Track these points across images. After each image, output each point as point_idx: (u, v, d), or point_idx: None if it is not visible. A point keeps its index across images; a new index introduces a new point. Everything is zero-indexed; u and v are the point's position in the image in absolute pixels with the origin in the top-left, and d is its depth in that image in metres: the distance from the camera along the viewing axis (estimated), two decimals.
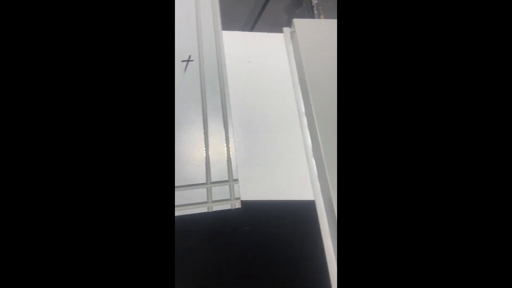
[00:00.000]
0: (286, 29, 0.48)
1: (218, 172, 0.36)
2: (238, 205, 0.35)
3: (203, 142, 0.38)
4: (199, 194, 0.35)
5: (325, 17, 0.68)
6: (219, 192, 0.35)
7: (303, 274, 0.33)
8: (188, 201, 0.34)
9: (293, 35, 0.46)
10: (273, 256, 0.36)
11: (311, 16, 0.68)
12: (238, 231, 0.42)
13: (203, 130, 0.38)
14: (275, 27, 0.49)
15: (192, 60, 0.43)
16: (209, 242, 0.35)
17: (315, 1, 0.68)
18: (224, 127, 0.39)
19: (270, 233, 0.36)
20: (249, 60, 0.45)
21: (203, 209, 0.34)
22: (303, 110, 0.42)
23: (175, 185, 0.34)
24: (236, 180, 0.36)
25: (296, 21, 0.45)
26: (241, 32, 0.47)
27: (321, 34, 0.44)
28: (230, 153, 0.37)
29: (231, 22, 0.73)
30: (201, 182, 0.35)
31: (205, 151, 0.37)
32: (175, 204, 0.34)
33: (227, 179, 0.36)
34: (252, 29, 0.81)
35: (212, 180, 0.36)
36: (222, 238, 0.34)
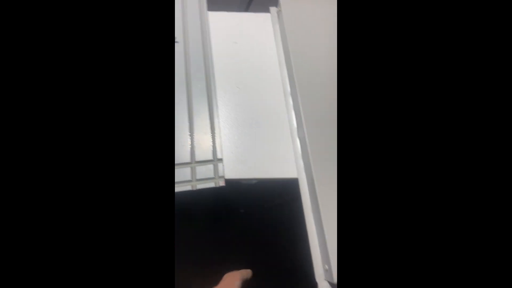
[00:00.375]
0: (273, 9, 0.47)
1: (203, 152, 0.37)
2: (222, 183, 0.36)
3: (188, 123, 0.38)
4: (184, 173, 0.35)
5: None
6: (204, 171, 0.36)
7: (286, 247, 0.34)
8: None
9: (279, 14, 0.45)
10: (257, 232, 0.37)
11: None
12: (223, 210, 0.43)
13: (187, 112, 0.39)
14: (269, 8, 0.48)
15: (177, 42, 0.43)
16: (191, 221, 0.36)
17: None
18: (209, 108, 0.39)
19: (254, 210, 0.37)
20: (235, 41, 0.45)
21: (187, 187, 0.35)
22: (289, 90, 0.42)
23: None
24: (221, 159, 0.37)
25: (283, 0, 0.44)
26: (228, 13, 0.47)
27: (308, 13, 0.44)
28: (215, 133, 0.38)
29: (226, 5, 0.72)
30: (185, 162, 0.36)
31: (189, 132, 0.38)
32: None
33: (211, 158, 0.37)
34: (247, 9, 0.81)
35: (197, 160, 0.36)
36: (205, 216, 0.35)
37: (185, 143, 0.37)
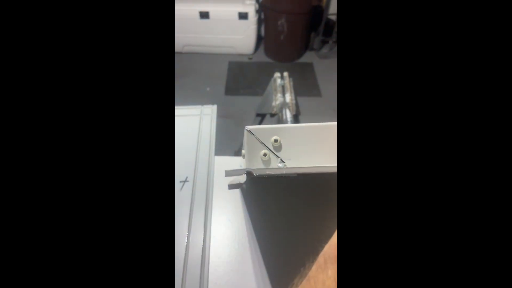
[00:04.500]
0: None
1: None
2: None
3: (184, 254, 0.47)
4: None
5: None
6: None
7: None
8: None
9: None
10: None
11: None
12: None
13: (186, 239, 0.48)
14: None
15: (187, 181, 0.56)
16: None
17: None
18: (203, 239, 0.49)
19: None
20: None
21: None
22: None
23: None
24: None
25: None
26: (229, 157, 0.61)
27: None
28: (204, 265, 0.46)
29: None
30: None
31: (183, 263, 0.46)
32: None
33: None
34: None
35: None
36: None
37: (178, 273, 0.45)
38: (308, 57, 2.49)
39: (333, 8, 2.44)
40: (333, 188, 0.21)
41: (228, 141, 1.50)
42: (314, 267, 0.21)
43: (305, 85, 2.20)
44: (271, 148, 0.25)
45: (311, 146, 0.25)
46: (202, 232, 0.50)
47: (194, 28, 2.27)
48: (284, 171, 0.23)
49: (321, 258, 0.21)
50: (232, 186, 0.28)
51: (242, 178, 0.26)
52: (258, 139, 0.24)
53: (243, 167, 0.25)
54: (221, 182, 0.56)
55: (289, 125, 0.25)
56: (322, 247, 0.22)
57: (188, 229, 0.50)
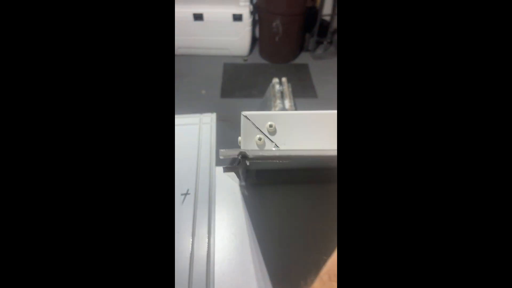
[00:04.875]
0: None
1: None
2: None
3: (188, 271, 0.46)
4: None
5: None
6: None
7: None
8: None
9: None
10: None
11: None
12: None
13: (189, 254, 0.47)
14: None
15: (189, 194, 0.55)
16: None
17: None
18: (207, 254, 0.48)
19: None
20: (235, 192, 0.56)
21: None
22: None
23: None
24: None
25: None
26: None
27: None
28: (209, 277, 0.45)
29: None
30: None
31: (188, 278, 0.45)
32: None
33: None
34: None
35: None
36: None
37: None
38: (303, 58, 2.49)
39: (327, 9, 2.44)
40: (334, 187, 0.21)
41: (226, 145, 1.48)
42: (317, 284, 0.21)
43: (300, 86, 2.19)
44: (266, 133, 0.25)
45: (306, 132, 0.26)
46: (206, 247, 0.49)
47: (188, 30, 2.24)
48: (278, 153, 0.24)
49: (325, 275, 0.21)
50: (227, 169, 0.27)
51: (236, 160, 0.26)
52: (253, 124, 0.25)
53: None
54: (223, 194, 0.55)
55: (285, 112, 0.26)
56: (324, 260, 0.21)
57: (192, 244, 0.49)
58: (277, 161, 0.24)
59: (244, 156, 0.23)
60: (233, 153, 0.23)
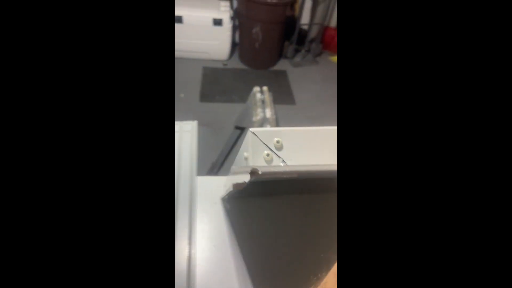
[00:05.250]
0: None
1: None
2: None
3: None
4: None
5: None
6: None
7: None
8: None
9: None
10: None
11: None
12: None
13: None
14: None
15: None
16: None
17: None
18: (187, 268, 0.47)
19: None
20: (215, 202, 0.56)
21: None
22: None
23: None
24: None
25: None
26: (215, 177, 0.60)
27: None
28: None
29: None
30: None
31: None
32: None
33: None
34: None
35: None
36: None
37: None
38: (282, 64, 2.54)
39: (305, 19, 2.51)
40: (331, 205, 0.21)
41: (206, 151, 1.47)
42: None
43: (279, 92, 2.23)
44: (274, 149, 0.26)
45: (310, 148, 0.27)
46: (186, 260, 0.48)
47: None
48: (288, 169, 0.24)
49: None
50: (239, 186, 0.26)
51: (246, 177, 0.25)
52: (261, 140, 0.25)
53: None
54: (204, 205, 0.55)
55: (291, 128, 0.26)
56: (313, 279, 0.21)
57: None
58: (286, 176, 0.24)
59: (256, 173, 0.23)
60: (246, 170, 0.23)
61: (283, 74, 2.45)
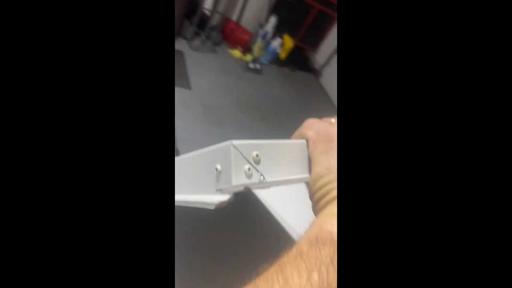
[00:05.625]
0: None
1: None
2: None
3: None
4: None
5: None
6: None
7: None
8: None
9: None
10: None
11: None
12: None
13: None
14: None
15: None
16: None
17: None
18: None
19: None
20: None
21: None
22: None
23: None
24: None
25: None
26: None
27: None
28: None
29: None
30: None
31: None
32: None
33: None
34: None
35: None
36: None
37: None
38: (179, 44, 2.34)
39: (208, 4, 2.42)
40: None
41: None
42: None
43: (175, 74, 2.04)
44: (253, 162, 0.25)
45: (287, 162, 0.28)
46: None
47: None
48: (268, 182, 0.25)
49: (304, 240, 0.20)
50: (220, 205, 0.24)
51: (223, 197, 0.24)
52: (242, 154, 0.24)
53: (223, 182, 0.25)
54: None
55: (269, 141, 0.27)
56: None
57: None
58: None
59: (248, 189, 0.24)
60: (239, 188, 0.23)
61: (180, 54, 2.26)
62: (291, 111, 2.43)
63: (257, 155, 0.24)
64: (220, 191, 0.22)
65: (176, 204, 0.29)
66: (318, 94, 2.89)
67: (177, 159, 0.31)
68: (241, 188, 0.22)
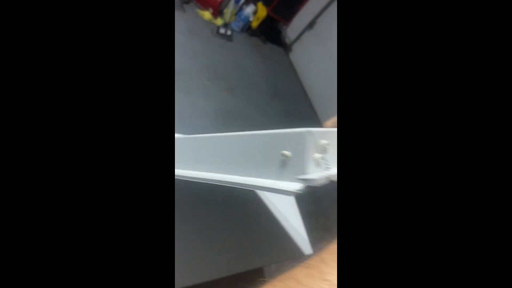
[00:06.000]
0: None
1: None
2: None
3: None
4: None
5: None
6: None
7: None
8: None
9: None
10: None
11: None
12: None
13: None
14: None
15: None
16: None
17: None
18: None
19: None
20: None
21: None
22: None
23: None
24: None
25: None
26: None
27: None
28: None
29: None
30: None
31: None
32: None
33: None
34: None
35: None
36: None
37: None
38: None
39: None
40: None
41: None
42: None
43: None
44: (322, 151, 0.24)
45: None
46: None
47: None
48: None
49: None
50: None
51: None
52: (316, 142, 0.23)
53: (292, 170, 0.23)
54: None
55: (333, 129, 0.25)
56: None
57: None
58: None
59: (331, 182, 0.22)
60: (323, 181, 0.21)
61: None
62: (260, 85, 2.39)
63: (326, 144, 0.24)
64: (304, 181, 0.21)
65: (209, 182, 0.27)
66: (287, 70, 2.87)
67: (219, 135, 0.28)
68: (326, 182, 0.21)
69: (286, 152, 0.22)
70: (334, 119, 0.31)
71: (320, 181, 0.20)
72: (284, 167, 0.23)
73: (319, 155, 0.23)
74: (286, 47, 3.06)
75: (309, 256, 0.19)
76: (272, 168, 0.23)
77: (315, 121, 2.46)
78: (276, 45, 3.01)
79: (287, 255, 0.66)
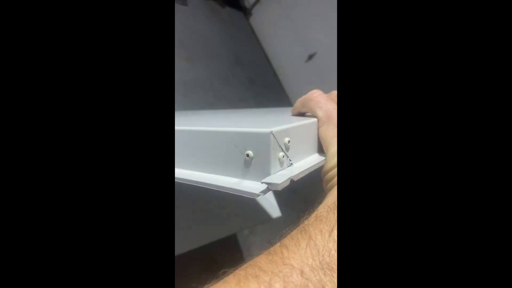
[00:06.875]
0: None
1: None
2: None
3: None
4: None
5: None
6: None
7: None
8: None
9: None
10: None
11: None
12: None
13: None
14: None
15: None
16: None
17: None
18: None
19: None
20: None
21: None
22: None
23: None
24: None
25: None
26: None
27: None
28: None
29: None
30: None
31: None
32: None
33: None
34: None
35: None
36: None
37: None
38: None
39: None
40: None
41: None
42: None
43: None
44: (284, 150, 0.24)
45: (303, 143, 0.27)
46: None
47: None
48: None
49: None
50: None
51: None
52: (277, 142, 0.23)
53: (256, 170, 0.23)
54: None
55: (294, 124, 0.26)
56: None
57: None
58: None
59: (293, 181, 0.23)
60: (286, 184, 0.22)
61: None
62: (220, 53, 2.26)
63: (288, 141, 0.24)
64: (269, 185, 0.21)
65: (179, 180, 0.27)
66: (248, 35, 2.74)
67: (187, 129, 0.27)
68: (288, 183, 0.22)
69: (250, 152, 0.22)
70: (304, 105, 0.31)
71: (283, 185, 0.20)
72: (248, 166, 0.23)
73: (282, 154, 0.23)
74: (246, 11, 2.88)
75: (272, 244, 0.20)
76: (236, 166, 0.23)
77: (280, 89, 2.44)
78: (236, 9, 2.83)
79: (257, 219, 0.70)
